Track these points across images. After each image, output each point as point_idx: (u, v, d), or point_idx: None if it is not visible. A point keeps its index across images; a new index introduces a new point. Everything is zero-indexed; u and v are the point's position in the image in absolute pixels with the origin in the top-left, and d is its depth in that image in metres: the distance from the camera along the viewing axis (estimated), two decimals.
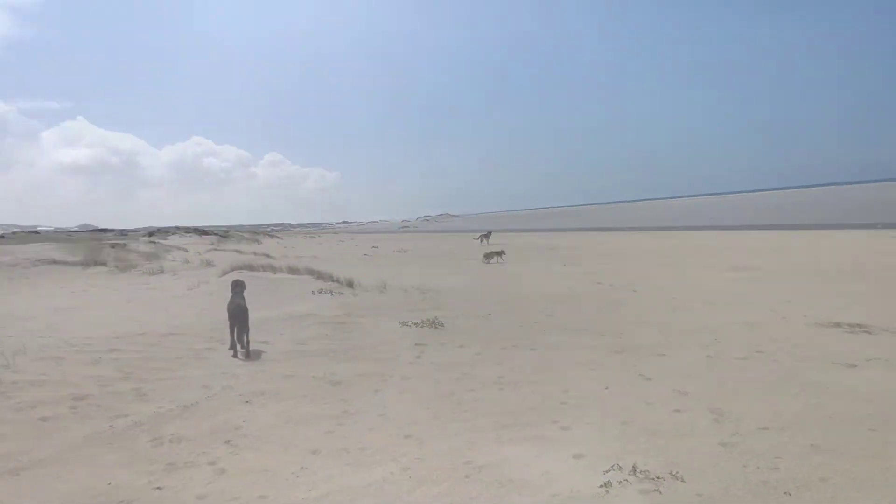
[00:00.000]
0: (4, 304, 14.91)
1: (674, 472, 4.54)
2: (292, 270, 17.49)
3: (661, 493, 4.27)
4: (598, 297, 15.10)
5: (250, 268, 18.29)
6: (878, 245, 29.01)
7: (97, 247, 30.71)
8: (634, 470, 4.58)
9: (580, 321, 11.59)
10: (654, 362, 8.37)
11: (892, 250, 26.25)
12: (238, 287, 9.86)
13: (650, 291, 16.12)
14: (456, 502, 4.33)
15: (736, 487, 4.31)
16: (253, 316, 9.53)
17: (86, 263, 23.71)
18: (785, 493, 4.22)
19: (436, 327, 10.94)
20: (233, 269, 17.95)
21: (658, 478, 4.45)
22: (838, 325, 10.64)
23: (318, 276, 16.46)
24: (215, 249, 38.57)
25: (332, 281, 15.72)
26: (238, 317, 9.10)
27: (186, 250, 35.31)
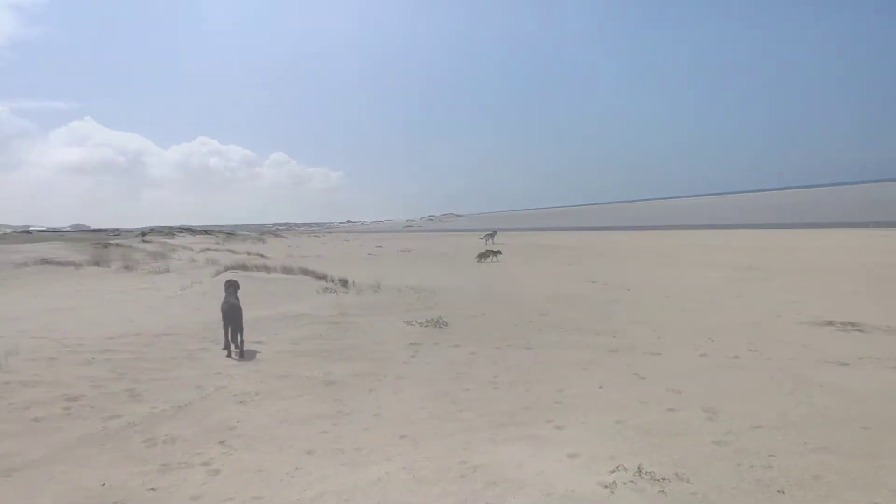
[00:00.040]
0: None
1: (679, 473, 4.54)
2: (286, 270, 17.45)
3: (666, 494, 4.27)
4: (593, 297, 15.13)
5: (244, 268, 18.24)
6: (869, 244, 29.17)
7: (104, 246, 30.66)
8: (640, 470, 4.58)
9: (575, 320, 11.61)
10: (649, 361, 8.39)
11: (883, 249, 26.40)
12: (232, 287, 9.83)
13: (645, 291, 16.17)
14: (451, 502, 4.33)
15: (730, 486, 4.32)
16: (247, 316, 9.50)
17: (94, 262, 23.70)
18: (778, 491, 4.23)
19: (440, 327, 11.01)
20: (227, 269, 17.89)
21: (663, 479, 4.45)
22: (831, 323, 10.70)
23: (313, 275, 16.44)
24: (219, 249, 38.48)
25: (327, 280, 15.69)
26: (232, 317, 9.07)
27: (192, 249, 35.31)
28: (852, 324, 10.56)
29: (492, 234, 48.16)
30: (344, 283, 15.44)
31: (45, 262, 23.59)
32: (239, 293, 9.80)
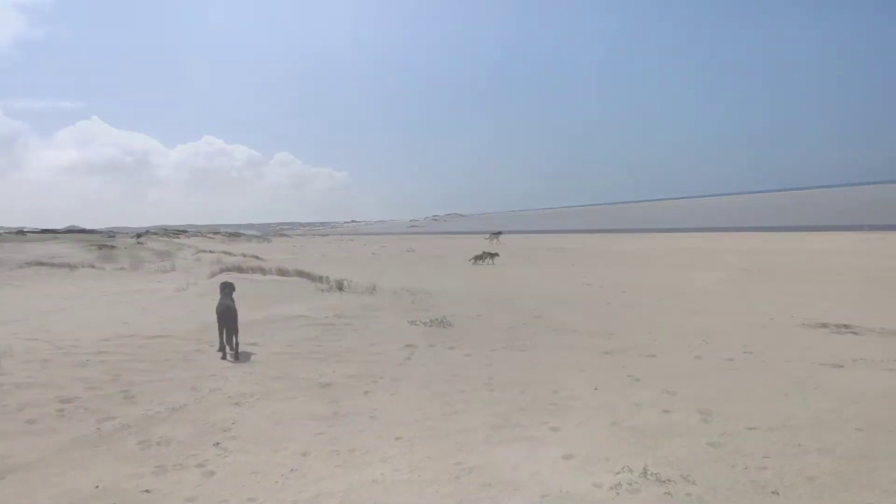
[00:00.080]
0: None
1: (683, 475, 4.54)
2: (282, 272, 17.40)
3: (671, 495, 4.28)
4: (588, 299, 15.15)
5: (239, 269, 18.19)
6: (864, 247, 29.29)
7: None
8: (645, 472, 4.58)
9: (570, 322, 11.62)
10: (643, 363, 8.41)
11: (878, 252, 26.50)
12: (227, 289, 9.82)
13: (640, 293, 16.20)
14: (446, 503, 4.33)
15: (724, 487, 4.33)
16: (242, 318, 9.49)
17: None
18: (773, 492, 4.24)
19: (444, 326, 11.07)
20: (222, 271, 17.84)
21: (669, 480, 4.45)
22: (825, 325, 10.74)
23: (308, 277, 16.40)
24: (213, 251, 38.44)
25: (323, 282, 15.66)
26: (227, 319, 9.06)
27: (197, 248, 35.37)
28: (846, 326, 10.59)
29: (496, 234, 48.51)
30: (340, 284, 15.41)
31: (39, 263, 23.51)
32: (234, 295, 9.78)
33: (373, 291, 14.92)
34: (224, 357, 8.88)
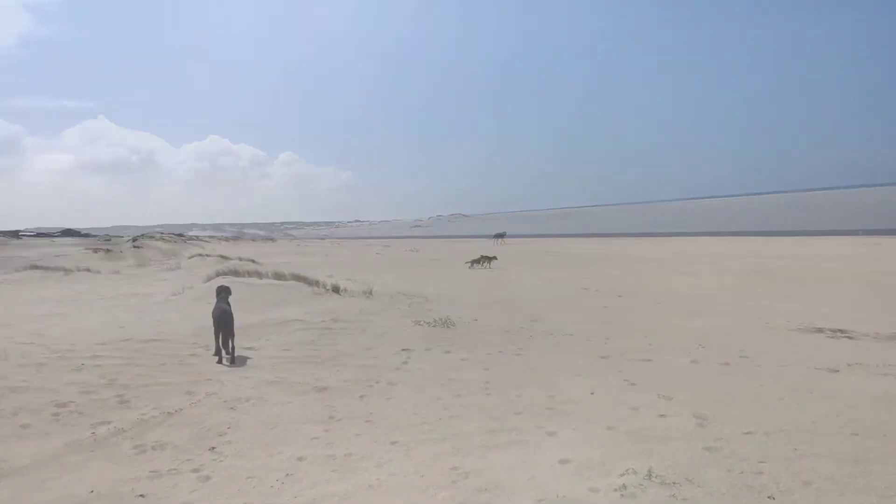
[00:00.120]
0: None
1: (681, 479, 4.55)
2: (278, 276, 17.38)
3: (677, 498, 4.28)
4: (584, 303, 15.17)
5: (235, 273, 18.17)
6: (860, 252, 29.39)
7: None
8: (650, 474, 4.58)
9: (566, 327, 11.63)
10: (640, 367, 8.42)
11: (873, 257, 26.60)
12: (223, 293, 9.80)
13: (636, 297, 16.23)
14: None
15: (720, 491, 4.33)
16: (238, 322, 9.47)
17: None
18: (769, 496, 4.24)
19: (448, 327, 11.16)
20: (218, 275, 17.82)
21: (674, 483, 4.45)
22: (820, 330, 10.77)
23: (305, 281, 16.39)
24: (210, 255, 38.47)
25: (319, 286, 15.66)
26: (223, 322, 9.04)
27: (203, 247, 35.46)
28: (842, 331, 10.63)
29: (501, 235, 48.83)
30: (336, 288, 15.41)
31: (34, 267, 23.45)
32: (230, 299, 9.77)
33: (369, 295, 14.91)
34: (220, 361, 8.86)
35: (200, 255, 37.34)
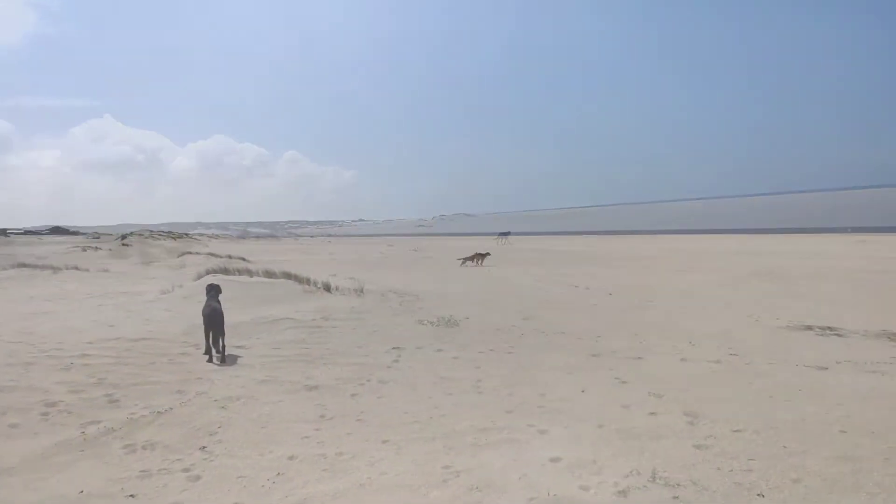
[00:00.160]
0: None
1: (694, 480, 4.56)
2: (268, 274, 17.32)
3: (669, 496, 4.29)
4: (576, 301, 15.21)
5: (225, 271, 18.09)
6: (848, 250, 29.60)
7: (107, 242, 30.64)
8: (654, 476, 4.59)
9: (557, 325, 11.65)
10: (630, 366, 8.44)
11: (861, 255, 26.80)
12: (213, 291, 9.76)
13: (626, 295, 16.28)
14: None
15: (710, 489, 4.35)
16: (228, 320, 9.43)
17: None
18: (758, 494, 4.27)
19: (452, 326, 11.18)
20: (208, 273, 17.73)
21: (678, 485, 4.46)
22: (809, 327, 10.84)
23: (295, 279, 16.34)
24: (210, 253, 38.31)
25: (309, 284, 15.61)
26: (213, 321, 9.00)
27: (208, 245, 35.41)
28: (831, 328, 10.71)
29: (505, 234, 49.09)
30: (327, 287, 15.37)
31: (22, 265, 23.26)
32: (220, 297, 9.73)
33: (360, 293, 14.89)
34: (210, 360, 8.83)
35: (190, 252, 37.21)
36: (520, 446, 5.44)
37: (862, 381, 7.36)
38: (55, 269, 22.71)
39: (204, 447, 5.67)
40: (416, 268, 27.76)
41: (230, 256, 31.31)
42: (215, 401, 7.05)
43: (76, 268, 23.71)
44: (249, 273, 17.60)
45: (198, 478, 5.00)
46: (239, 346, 9.59)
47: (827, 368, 8.03)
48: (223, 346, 8.99)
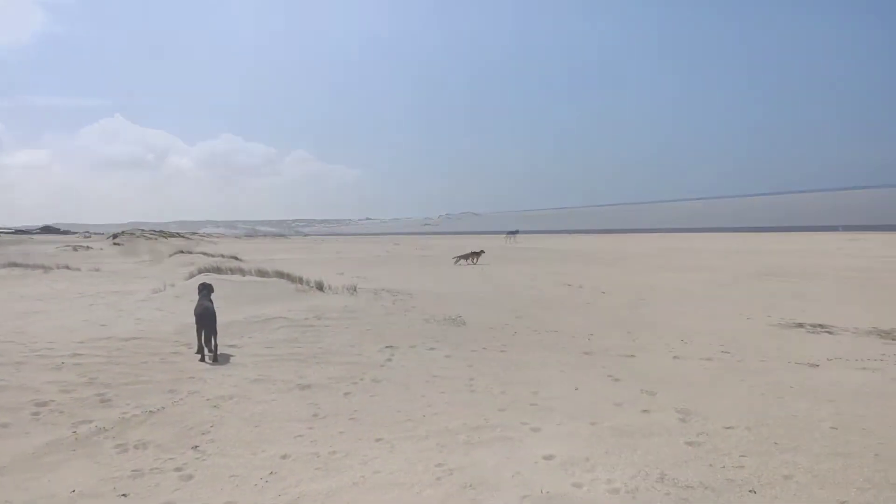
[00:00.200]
0: None
1: (672, 473, 4.58)
2: (261, 273, 17.26)
3: (661, 492, 4.32)
4: (569, 300, 15.24)
5: (218, 270, 18.02)
6: (839, 247, 29.76)
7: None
8: (662, 477, 4.60)
9: (550, 323, 11.67)
10: (623, 363, 8.47)
11: (852, 253, 26.95)
12: (205, 290, 9.72)
13: (620, 293, 16.31)
14: None
15: (702, 486, 4.37)
16: (220, 319, 9.40)
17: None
18: (750, 490, 4.29)
19: (445, 324, 11.18)
20: (200, 272, 17.65)
21: (689, 486, 4.47)
22: (801, 325, 10.90)
23: (288, 278, 16.29)
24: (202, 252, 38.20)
25: (302, 283, 15.57)
26: (205, 320, 8.96)
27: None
28: (822, 326, 10.77)
29: (513, 233, 49.22)
30: (319, 285, 15.34)
31: (12, 264, 23.10)
32: (213, 296, 9.69)
33: (353, 292, 14.87)
34: (202, 359, 8.79)
35: (182, 251, 37.05)
36: (513, 444, 5.45)
37: (852, 378, 7.41)
38: (46, 269, 22.58)
39: (196, 446, 5.65)
40: (412, 266, 27.74)
41: (222, 255, 31.22)
42: (207, 400, 7.02)
43: (67, 267, 23.57)
44: (242, 272, 17.54)
45: (190, 477, 4.99)
46: (231, 346, 9.56)
47: (818, 366, 8.08)
48: (215, 346, 8.95)
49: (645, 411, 6.25)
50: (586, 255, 33.11)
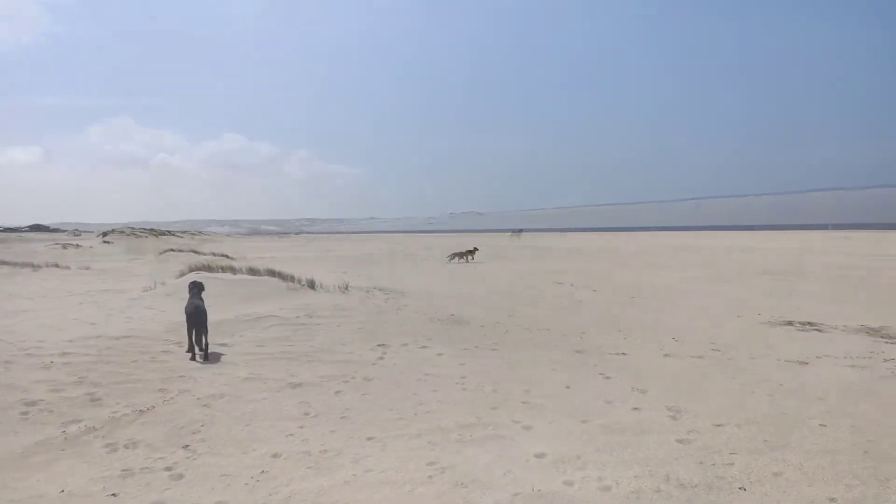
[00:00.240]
0: None
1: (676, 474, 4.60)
2: (252, 271, 17.22)
3: (651, 489, 4.33)
4: (560, 298, 15.26)
5: (209, 268, 17.95)
6: (829, 246, 29.94)
7: (88, 239, 30.36)
8: (653, 475, 4.61)
9: (542, 321, 11.69)
10: (614, 361, 8.49)
11: (842, 251, 27.11)
12: (196, 288, 9.68)
13: (611, 292, 16.36)
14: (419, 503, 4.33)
15: (692, 483, 4.39)
16: (211, 317, 9.36)
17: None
18: (740, 487, 4.32)
19: (437, 323, 11.20)
20: (191, 270, 17.58)
21: (679, 484, 4.48)
22: (790, 323, 10.96)
23: (280, 276, 16.25)
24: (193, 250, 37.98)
25: (294, 281, 15.53)
26: (196, 318, 8.92)
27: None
28: (811, 324, 10.83)
29: (518, 232, 49.48)
30: (311, 284, 15.30)
31: (2, 262, 22.96)
32: (203, 294, 9.65)
33: (345, 290, 14.84)
34: (193, 358, 8.75)
35: (173, 250, 36.89)
36: (504, 442, 5.46)
37: (841, 376, 7.46)
38: (35, 267, 22.44)
39: (187, 445, 5.63)
40: (406, 265, 27.72)
41: (213, 254, 31.10)
42: (198, 399, 6.99)
43: (56, 265, 23.43)
44: (233, 270, 17.48)
45: (180, 476, 4.97)
46: (222, 344, 9.53)
47: (807, 363, 8.13)
48: (206, 344, 8.92)
49: (636, 409, 6.28)
50: (581, 254, 33.21)
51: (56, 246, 44.80)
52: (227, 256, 28.49)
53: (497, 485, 4.51)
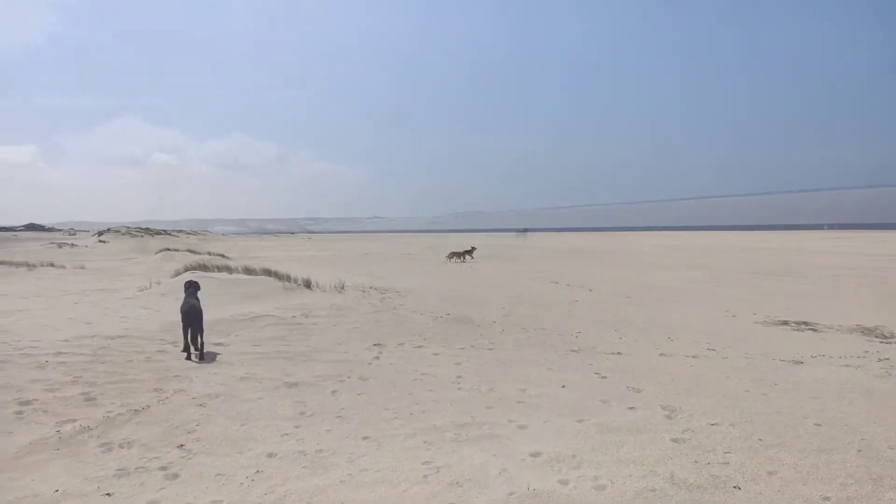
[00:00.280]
0: None
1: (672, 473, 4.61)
2: (248, 271, 17.20)
3: (647, 489, 4.34)
4: (556, 297, 15.28)
5: (204, 268, 17.93)
6: (825, 246, 30.01)
7: (84, 239, 30.26)
8: (648, 474, 4.62)
9: (538, 320, 11.70)
10: (610, 361, 8.50)
11: (837, 251, 27.19)
12: (192, 288, 9.66)
13: (606, 291, 16.38)
14: (415, 503, 4.32)
15: (687, 482, 4.40)
16: (207, 317, 9.35)
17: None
18: (734, 486, 4.32)
19: (433, 322, 11.20)
20: (186, 270, 17.56)
21: (674, 483, 4.49)
22: (785, 322, 10.99)
23: (275, 276, 16.25)
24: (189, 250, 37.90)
25: (290, 281, 15.53)
26: (192, 318, 8.90)
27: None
28: (806, 323, 10.87)
29: (523, 232, 49.77)
30: (307, 283, 15.30)
31: None
32: (199, 294, 9.64)
33: (341, 290, 14.83)
34: (188, 357, 8.74)
35: (169, 249, 36.82)
36: (500, 441, 5.46)
37: (836, 375, 7.48)
38: (31, 266, 22.38)
39: (182, 445, 5.62)
40: (403, 264, 27.71)
41: (210, 253, 31.05)
42: (193, 398, 6.98)
43: (52, 265, 23.37)
44: (229, 270, 17.45)
45: (175, 476, 4.96)
46: (218, 344, 9.52)
47: (802, 363, 8.15)
48: (202, 344, 8.91)
49: (631, 408, 6.28)
50: (578, 253, 33.27)
51: (51, 245, 44.72)
52: (223, 256, 28.45)
53: (492, 484, 4.51)
